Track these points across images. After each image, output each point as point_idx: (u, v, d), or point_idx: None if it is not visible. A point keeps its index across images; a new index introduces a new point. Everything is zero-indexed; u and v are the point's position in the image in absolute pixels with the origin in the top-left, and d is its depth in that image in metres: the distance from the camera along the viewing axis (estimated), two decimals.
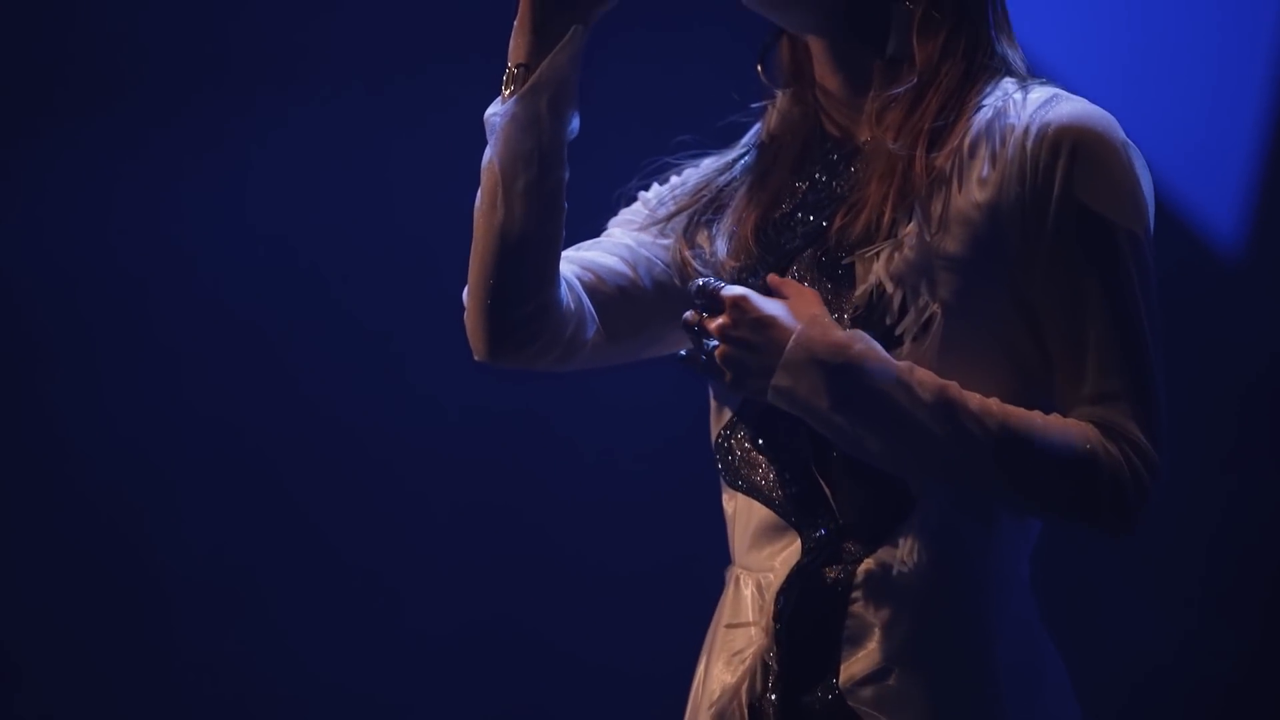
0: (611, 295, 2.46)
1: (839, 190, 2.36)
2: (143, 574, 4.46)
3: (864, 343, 2.22)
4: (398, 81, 4.49)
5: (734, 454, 2.38)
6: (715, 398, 2.42)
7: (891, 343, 2.26)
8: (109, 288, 4.46)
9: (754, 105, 2.50)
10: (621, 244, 2.48)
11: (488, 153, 2.36)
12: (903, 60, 2.33)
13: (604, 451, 4.48)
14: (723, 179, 2.48)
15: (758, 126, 2.49)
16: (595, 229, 2.53)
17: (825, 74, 2.39)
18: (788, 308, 2.24)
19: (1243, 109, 4.21)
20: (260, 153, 4.47)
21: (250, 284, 4.48)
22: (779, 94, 2.46)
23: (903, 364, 2.22)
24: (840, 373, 2.21)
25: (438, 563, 4.50)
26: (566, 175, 2.36)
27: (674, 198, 2.49)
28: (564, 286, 2.41)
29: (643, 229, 2.49)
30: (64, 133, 4.44)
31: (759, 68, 2.46)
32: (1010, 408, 2.23)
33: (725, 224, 2.43)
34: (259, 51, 4.48)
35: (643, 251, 2.48)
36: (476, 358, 2.43)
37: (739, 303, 2.24)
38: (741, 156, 2.48)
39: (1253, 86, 4.21)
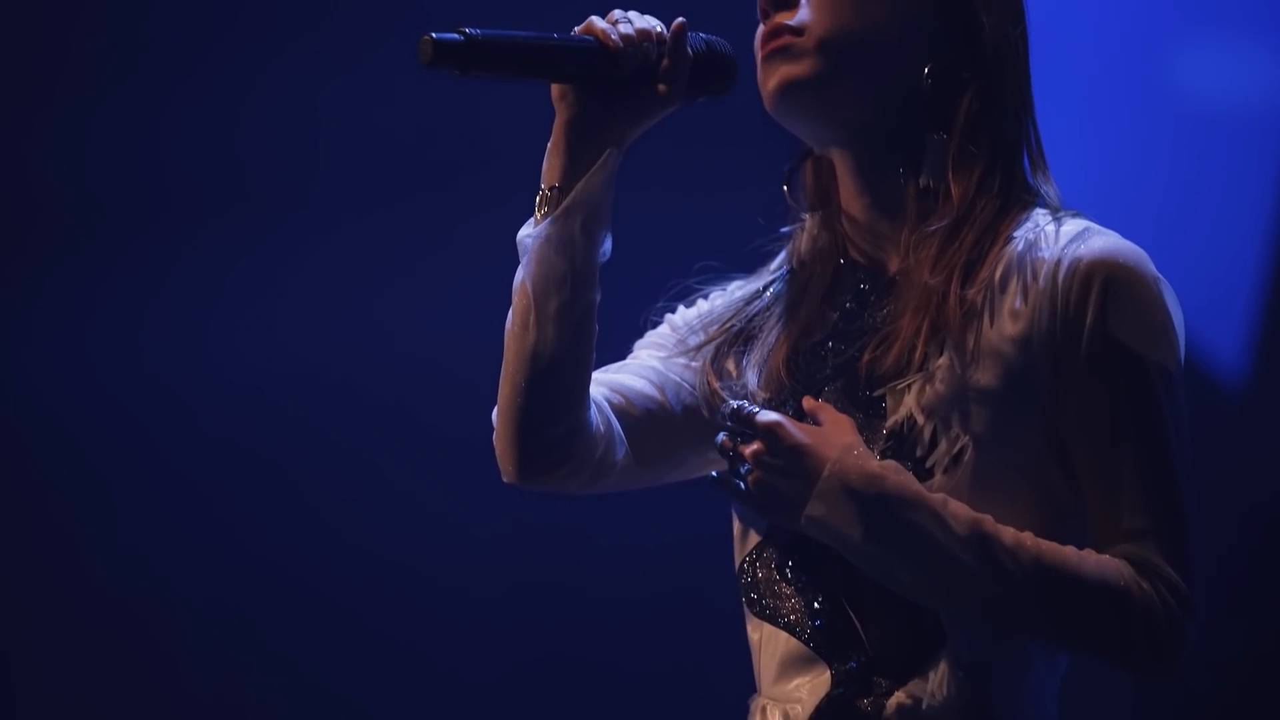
0: (640, 418, 2.44)
1: (870, 320, 2.35)
2: (173, 666, 4.47)
3: (899, 474, 2.21)
4: (399, 199, 4.51)
5: (759, 582, 2.35)
6: (740, 520, 2.40)
7: (923, 474, 2.25)
8: (100, 418, 4.47)
9: (783, 230, 2.49)
10: (649, 366, 2.47)
11: (520, 273, 2.35)
12: (937, 191, 2.33)
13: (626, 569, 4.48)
14: (752, 308, 2.47)
15: (786, 251, 2.48)
16: (619, 349, 2.52)
17: (850, 198, 2.39)
18: (822, 436, 2.23)
19: (1247, 250, 4.24)
20: (267, 276, 4.49)
21: (252, 412, 4.48)
22: (806, 218, 2.46)
23: (937, 496, 2.21)
24: (874, 503, 2.19)
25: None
26: (598, 297, 2.35)
27: (704, 327, 2.48)
28: (593, 408, 2.40)
29: (671, 355, 2.48)
30: (39, 271, 4.46)
31: (785, 189, 2.46)
32: (1044, 543, 2.21)
33: (755, 355, 2.42)
34: (242, 183, 4.51)
35: (671, 375, 2.46)
36: (505, 479, 2.41)
37: (774, 429, 2.22)
38: (770, 284, 2.48)
39: (1257, 230, 4.25)
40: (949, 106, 2.33)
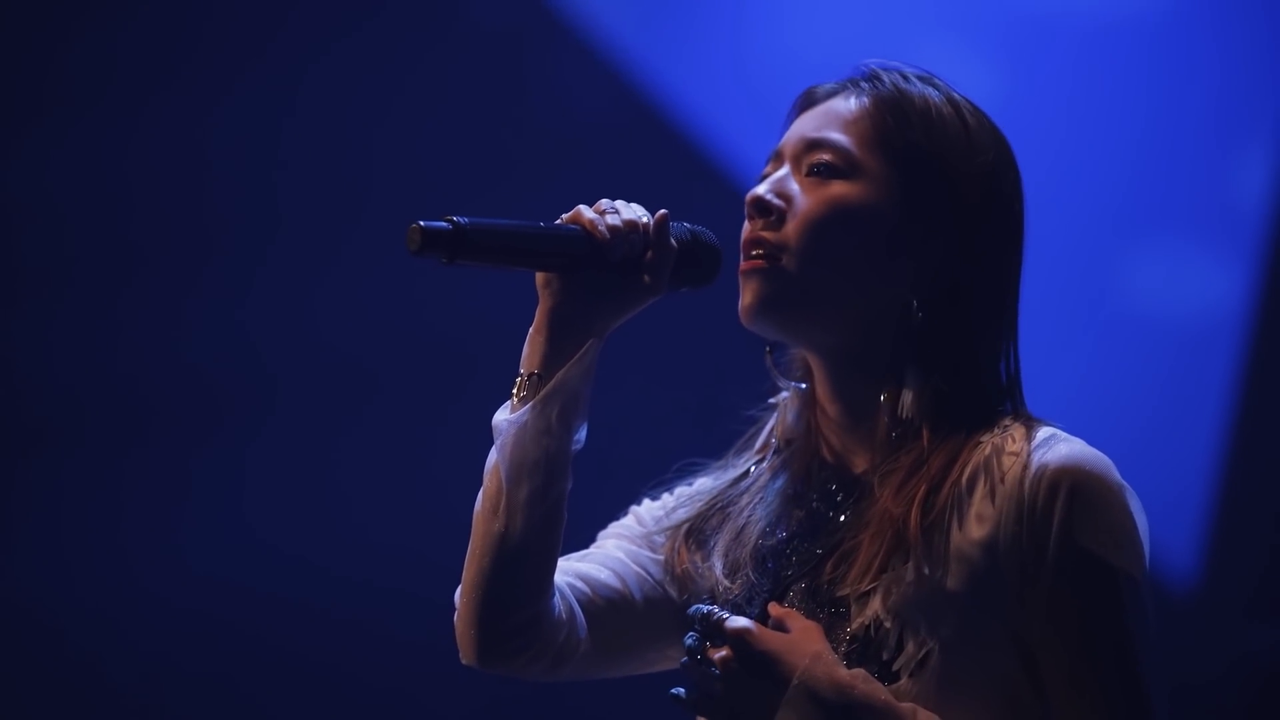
0: (603, 608, 2.42)
1: (836, 520, 2.34)
2: None
3: (867, 683, 2.20)
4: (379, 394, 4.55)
5: None
6: None
7: (889, 677, 2.24)
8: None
9: (769, 402, 2.47)
10: (614, 557, 2.45)
11: (493, 456, 2.33)
12: (907, 421, 2.32)
13: None
14: (723, 498, 2.45)
15: (764, 436, 2.46)
16: (585, 536, 2.51)
17: (825, 397, 2.39)
18: (791, 643, 2.22)
19: (1203, 456, 4.29)
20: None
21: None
22: (784, 399, 2.44)
23: (906, 705, 2.20)
24: (843, 713, 2.19)
25: None
26: (569, 486, 2.33)
27: (670, 517, 2.47)
28: (557, 596, 2.38)
29: (637, 547, 2.46)
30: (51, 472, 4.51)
31: (768, 353, 2.43)
32: None
33: (722, 546, 2.40)
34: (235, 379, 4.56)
35: (634, 568, 2.45)
36: (464, 661, 2.38)
37: (743, 635, 2.22)
38: (742, 476, 2.46)
39: (1209, 435, 4.29)
40: (933, 342, 2.32)
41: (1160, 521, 4.22)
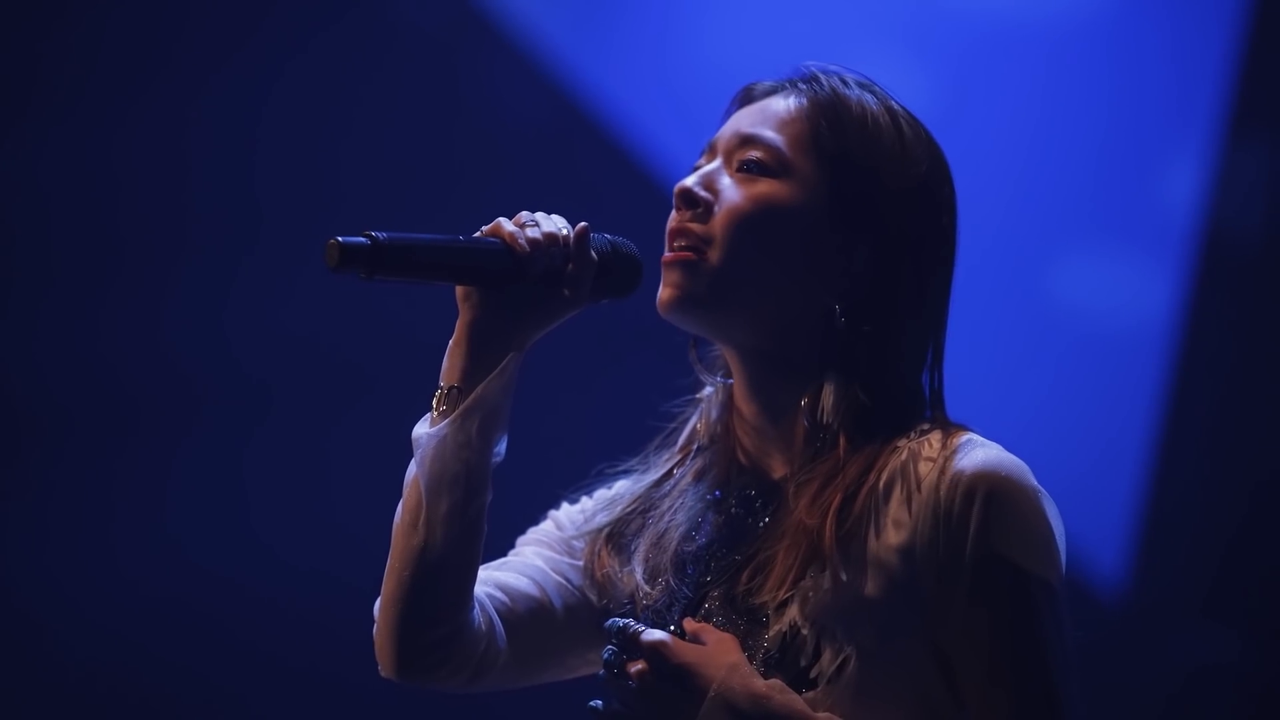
0: (522, 618, 2.42)
1: (755, 526, 2.34)
2: None
3: (784, 694, 2.21)
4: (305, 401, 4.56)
5: None
6: None
7: (806, 685, 2.25)
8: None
9: (682, 401, 2.46)
10: (533, 565, 2.45)
11: (412, 469, 2.33)
12: (825, 426, 2.32)
13: None
14: (643, 502, 2.44)
15: (686, 433, 2.45)
16: (506, 546, 2.50)
17: (742, 396, 2.38)
18: (707, 655, 2.22)
19: (1125, 461, 4.32)
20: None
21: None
22: (708, 395, 2.43)
23: (823, 715, 2.21)
24: None
25: None
26: (489, 498, 2.33)
27: (589, 522, 2.46)
28: (476, 607, 2.37)
29: (556, 554, 2.46)
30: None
31: (691, 349, 2.43)
32: None
33: (642, 552, 2.40)
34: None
35: (554, 575, 2.44)
36: (383, 674, 2.38)
37: (658, 649, 2.22)
38: (664, 478, 2.45)
39: (1133, 440, 4.33)
40: (855, 348, 2.32)
41: (1090, 527, 4.27)
